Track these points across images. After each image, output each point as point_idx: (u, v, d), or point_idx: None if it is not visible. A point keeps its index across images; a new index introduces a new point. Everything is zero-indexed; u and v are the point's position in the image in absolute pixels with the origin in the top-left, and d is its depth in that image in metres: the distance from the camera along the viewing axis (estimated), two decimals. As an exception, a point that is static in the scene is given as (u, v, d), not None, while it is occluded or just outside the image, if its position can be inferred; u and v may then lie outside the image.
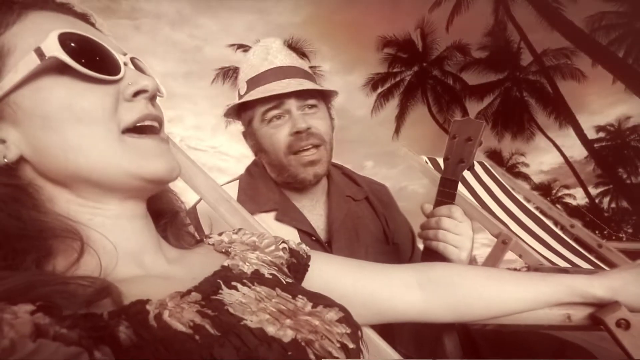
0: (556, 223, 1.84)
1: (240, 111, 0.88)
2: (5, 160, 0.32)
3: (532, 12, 11.76)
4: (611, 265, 1.56)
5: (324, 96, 0.89)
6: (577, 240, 1.73)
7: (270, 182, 0.89)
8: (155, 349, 0.25)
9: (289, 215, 0.84)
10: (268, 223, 0.78)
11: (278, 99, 0.80)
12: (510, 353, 0.70)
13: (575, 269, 1.36)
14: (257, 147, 0.87)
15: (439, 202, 0.75)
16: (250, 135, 0.88)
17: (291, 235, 0.77)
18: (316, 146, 0.82)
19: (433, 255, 0.72)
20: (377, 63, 17.45)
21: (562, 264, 1.41)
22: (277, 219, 0.83)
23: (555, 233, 1.67)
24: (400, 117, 17.25)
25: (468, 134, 0.74)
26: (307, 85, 0.81)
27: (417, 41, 17.02)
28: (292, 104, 0.81)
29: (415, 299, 0.54)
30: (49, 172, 0.34)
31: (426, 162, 1.59)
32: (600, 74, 13.32)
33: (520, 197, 1.86)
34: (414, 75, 17.40)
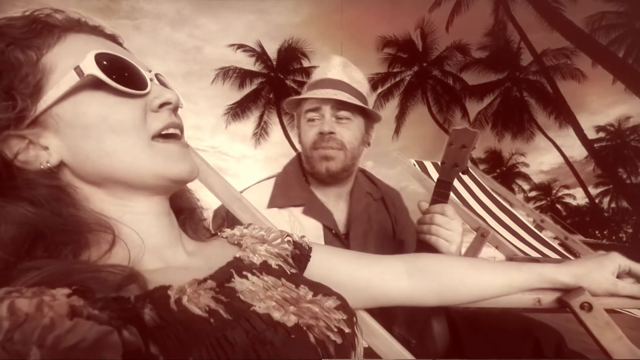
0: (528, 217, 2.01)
1: (297, 106, 1.04)
2: (48, 164, 0.36)
3: (532, 12, 11.76)
4: (576, 255, 1.68)
5: (365, 115, 0.99)
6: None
7: (302, 181, 1.01)
8: (175, 330, 0.29)
9: (314, 210, 0.95)
10: (296, 216, 0.94)
11: (318, 103, 0.95)
12: (485, 331, 0.77)
13: (544, 259, 1.47)
14: (299, 137, 1.03)
15: (434, 201, 0.83)
16: (297, 126, 1.05)
17: (316, 228, 0.93)
18: (333, 148, 0.94)
19: (426, 247, 0.79)
20: (377, 63, 17.46)
21: (533, 254, 1.52)
22: (304, 212, 0.95)
23: (527, 227, 1.81)
24: (400, 117, 17.25)
25: (463, 142, 0.81)
26: (341, 96, 0.92)
27: (417, 41, 17.02)
28: (327, 111, 0.95)
29: (404, 285, 0.59)
30: (86, 174, 0.38)
31: (414, 165, 1.73)
32: (600, 74, 13.35)
33: (497, 196, 2.02)
34: (414, 75, 17.39)
